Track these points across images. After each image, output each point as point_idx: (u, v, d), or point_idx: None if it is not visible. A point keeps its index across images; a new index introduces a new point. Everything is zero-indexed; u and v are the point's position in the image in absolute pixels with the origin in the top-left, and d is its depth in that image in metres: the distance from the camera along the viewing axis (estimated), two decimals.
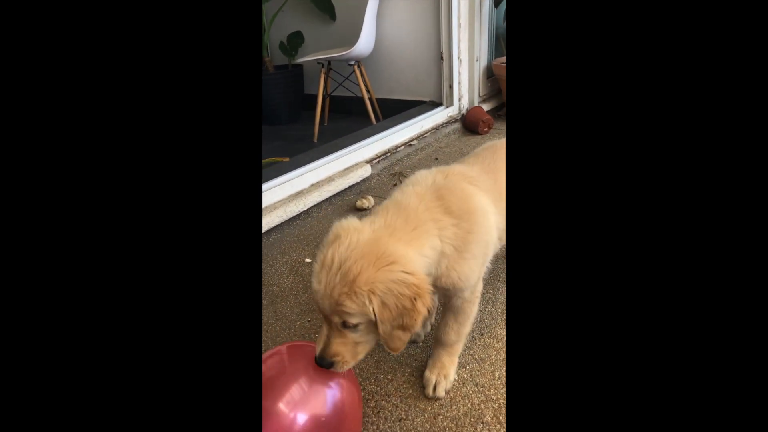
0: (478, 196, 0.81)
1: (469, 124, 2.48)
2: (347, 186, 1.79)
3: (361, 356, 0.71)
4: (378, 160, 2.00)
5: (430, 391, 0.86)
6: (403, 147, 2.13)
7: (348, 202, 1.76)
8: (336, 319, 0.66)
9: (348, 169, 1.83)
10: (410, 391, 0.89)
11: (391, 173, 2.02)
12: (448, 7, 2.25)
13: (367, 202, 1.70)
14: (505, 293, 1.13)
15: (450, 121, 2.44)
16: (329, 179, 1.75)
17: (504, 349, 0.96)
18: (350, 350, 0.67)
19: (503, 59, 2.65)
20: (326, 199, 1.73)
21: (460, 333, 0.86)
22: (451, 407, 0.85)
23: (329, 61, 2.55)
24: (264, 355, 0.73)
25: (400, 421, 0.83)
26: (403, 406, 0.86)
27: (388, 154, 2.06)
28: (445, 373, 0.86)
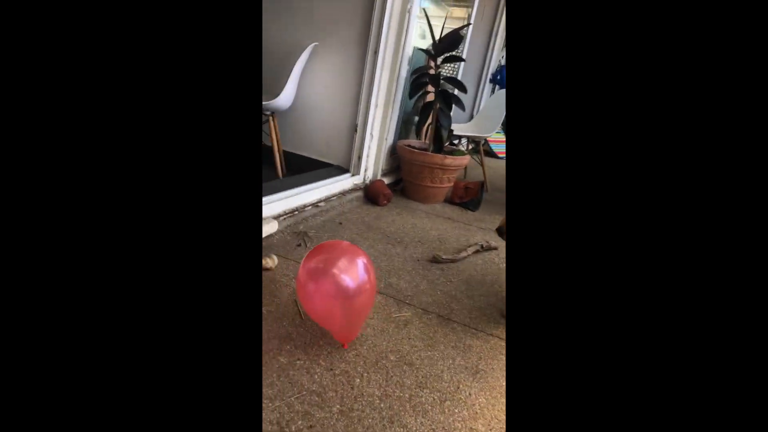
0: None
1: (371, 195, 2.61)
2: None
3: None
4: (285, 217, 1.95)
5: None
6: (310, 207, 2.13)
7: None
8: None
9: None
10: None
11: (295, 232, 1.98)
12: (369, 87, 2.44)
13: (271, 261, 1.62)
14: (412, 378, 1.18)
15: (355, 189, 2.55)
16: None
17: None
18: None
19: (406, 141, 2.94)
20: None
21: None
22: None
23: None
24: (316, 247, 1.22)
25: None
26: None
27: (296, 212, 2.03)
28: None
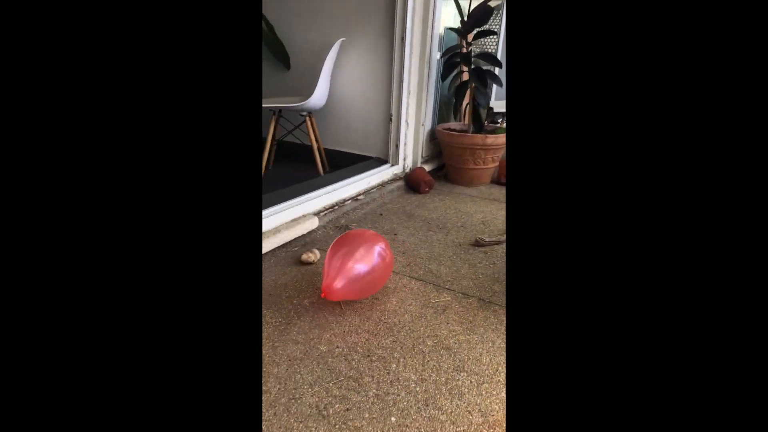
0: None
1: (412, 183, 2.61)
2: (293, 238, 1.77)
3: None
4: (325, 212, 2.01)
5: None
6: (350, 201, 2.17)
7: (293, 254, 1.74)
8: None
9: (295, 221, 1.81)
10: None
11: (337, 226, 2.04)
12: (399, 75, 2.43)
13: (313, 255, 1.69)
14: (448, 361, 1.17)
15: (394, 179, 2.55)
16: (276, 230, 1.72)
17: (448, 422, 0.98)
18: None
19: (445, 125, 2.88)
20: (270, 251, 1.69)
21: None
22: None
23: (280, 109, 2.57)
24: (340, 237, 1.40)
25: None
26: None
27: (336, 207, 2.08)
28: None
